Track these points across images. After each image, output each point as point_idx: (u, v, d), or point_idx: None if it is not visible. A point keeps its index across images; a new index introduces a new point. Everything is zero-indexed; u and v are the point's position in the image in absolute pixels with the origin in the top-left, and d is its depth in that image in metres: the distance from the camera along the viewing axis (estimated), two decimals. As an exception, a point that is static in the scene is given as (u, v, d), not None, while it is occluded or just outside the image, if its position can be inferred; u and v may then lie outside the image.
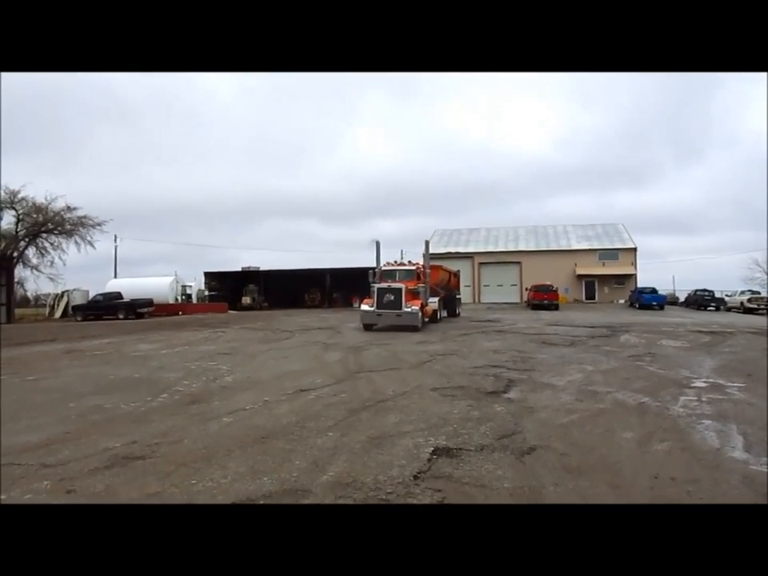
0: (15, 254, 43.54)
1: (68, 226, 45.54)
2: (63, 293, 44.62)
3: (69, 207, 45.18)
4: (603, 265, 51.12)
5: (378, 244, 24.20)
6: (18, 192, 43.98)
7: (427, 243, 24.07)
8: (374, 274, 23.55)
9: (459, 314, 30.40)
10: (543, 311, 35.30)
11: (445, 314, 27.63)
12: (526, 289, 45.12)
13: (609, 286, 51.17)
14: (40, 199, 44.79)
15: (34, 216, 45.34)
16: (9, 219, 44.94)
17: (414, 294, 21.12)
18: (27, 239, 45.53)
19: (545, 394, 8.23)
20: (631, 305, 42.86)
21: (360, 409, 7.25)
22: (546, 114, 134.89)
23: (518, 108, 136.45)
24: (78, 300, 42.06)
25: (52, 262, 45.36)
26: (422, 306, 20.94)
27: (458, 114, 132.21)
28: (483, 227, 60.33)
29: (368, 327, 20.72)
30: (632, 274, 50.39)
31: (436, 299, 24.16)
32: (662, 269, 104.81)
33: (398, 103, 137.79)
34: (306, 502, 4.09)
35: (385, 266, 23.84)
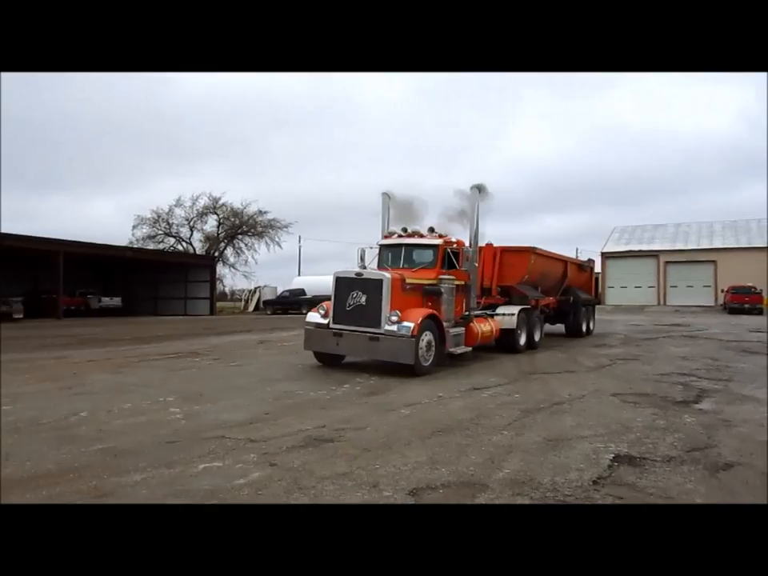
0: (216, 254, 49.29)
1: (260, 228, 50.58)
2: (255, 289, 49.50)
3: (260, 211, 50.17)
4: (822, 264, 44.12)
5: (386, 198, 12.95)
6: (220, 198, 49.90)
7: (479, 188, 11.72)
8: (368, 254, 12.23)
9: (591, 330, 18.95)
10: (743, 315, 31.56)
11: (548, 330, 16.65)
12: (722, 290, 40.62)
13: (829, 289, 44.04)
14: (237, 204, 50.35)
15: (232, 219, 51.03)
16: (212, 223, 51.17)
17: (425, 296, 10.85)
18: (226, 240, 51.36)
19: (745, 407, 7.42)
20: None
21: (534, 410, 7.16)
22: (729, 97, 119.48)
23: (693, 94, 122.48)
24: (267, 295, 46.31)
25: (246, 261, 50.76)
26: (438, 322, 10.43)
27: (622, 107, 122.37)
28: (671, 222, 55.25)
29: (321, 358, 11.18)
30: None
31: (515, 309, 13.47)
32: None
33: (560, 100, 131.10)
34: (480, 499, 4.18)
35: (385, 237, 12.31)
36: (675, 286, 48.73)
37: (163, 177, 71.10)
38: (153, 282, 41.10)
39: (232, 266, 51.33)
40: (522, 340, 13.76)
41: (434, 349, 10.25)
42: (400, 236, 11.92)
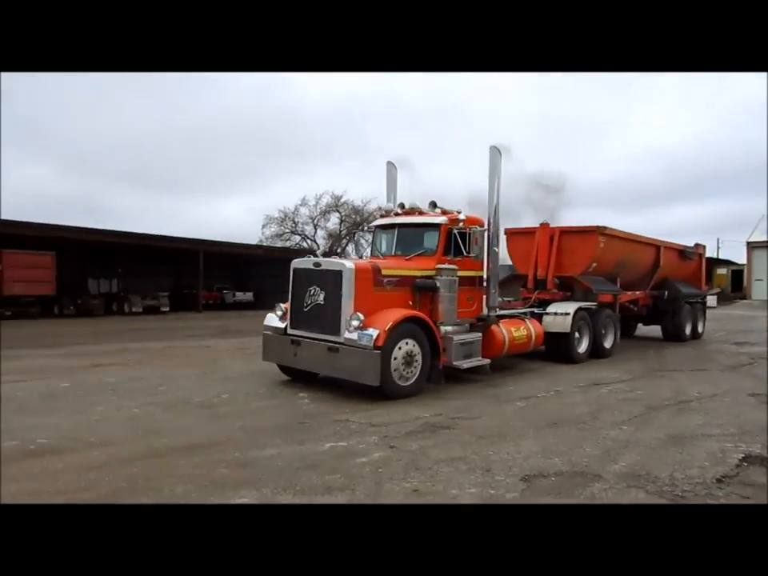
0: (339, 250, 51.21)
1: (379, 226, 51.89)
2: (374, 284, 50.72)
3: (380, 208, 51.35)
4: None
5: (391, 169, 10.56)
6: (341, 196, 51.78)
7: (499, 149, 8.93)
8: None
9: (700, 334, 15.43)
10: None
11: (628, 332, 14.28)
12: None
13: None
14: (357, 202, 51.99)
15: (353, 217, 52.74)
16: (334, 220, 53.23)
17: (417, 292, 8.29)
18: (347, 237, 53.20)
19: None
20: None
21: (659, 407, 6.94)
22: None
23: None
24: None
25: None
26: (425, 326, 7.78)
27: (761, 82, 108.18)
28: (830, 208, 49.25)
29: (286, 371, 8.73)
30: None
31: (571, 308, 10.66)
32: None
33: (690, 80, 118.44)
34: (592, 488, 4.22)
35: (381, 217, 10.03)
36: (835, 280, 43.49)
37: (288, 177, 74.94)
38: (280, 277, 43.57)
39: (353, 261, 53.13)
40: (582, 347, 10.88)
41: (418, 363, 7.63)
42: (397, 214, 9.38)
